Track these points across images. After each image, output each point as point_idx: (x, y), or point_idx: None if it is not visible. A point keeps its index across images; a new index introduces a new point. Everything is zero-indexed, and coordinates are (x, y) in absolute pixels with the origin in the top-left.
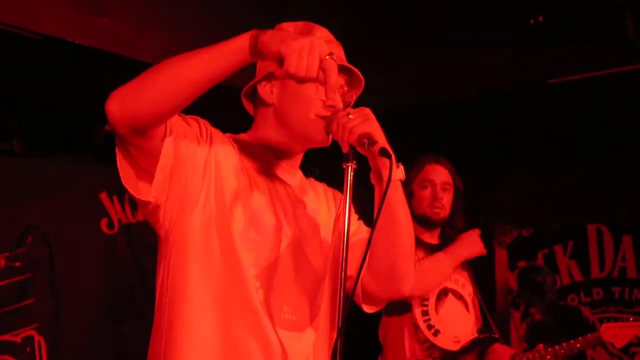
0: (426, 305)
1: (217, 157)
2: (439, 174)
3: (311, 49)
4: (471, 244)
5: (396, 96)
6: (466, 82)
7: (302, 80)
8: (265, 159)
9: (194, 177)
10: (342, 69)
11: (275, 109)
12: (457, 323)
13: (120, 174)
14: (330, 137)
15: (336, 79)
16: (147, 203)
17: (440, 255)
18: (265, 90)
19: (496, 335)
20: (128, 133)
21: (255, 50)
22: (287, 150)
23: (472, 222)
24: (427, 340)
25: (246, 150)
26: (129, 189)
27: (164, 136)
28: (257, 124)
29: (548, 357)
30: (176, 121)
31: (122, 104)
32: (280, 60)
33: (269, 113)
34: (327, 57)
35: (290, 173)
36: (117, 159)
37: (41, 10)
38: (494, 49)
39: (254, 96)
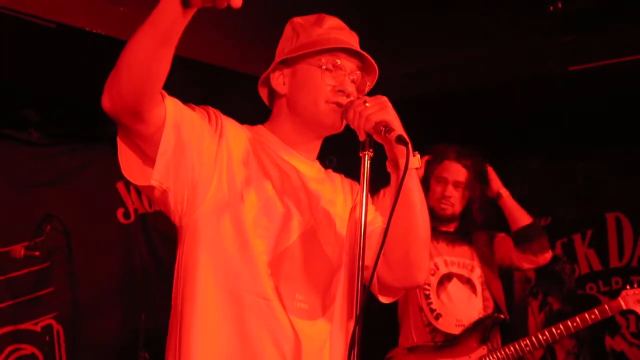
0: (427, 290)
1: (229, 145)
2: (454, 172)
3: None
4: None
5: (412, 84)
6: (483, 70)
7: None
8: (280, 149)
9: (201, 162)
10: (355, 55)
11: (287, 99)
12: (461, 307)
13: (121, 164)
14: (343, 122)
15: None
16: (152, 189)
17: None
18: (278, 82)
19: (501, 316)
20: (127, 122)
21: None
22: (302, 140)
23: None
24: (430, 323)
25: (261, 140)
26: (129, 179)
27: (164, 122)
28: (273, 115)
29: (558, 331)
30: (179, 108)
31: (109, 96)
32: None
33: (283, 104)
34: None
35: (307, 164)
36: (118, 147)
37: None
38: (512, 36)
39: (270, 87)
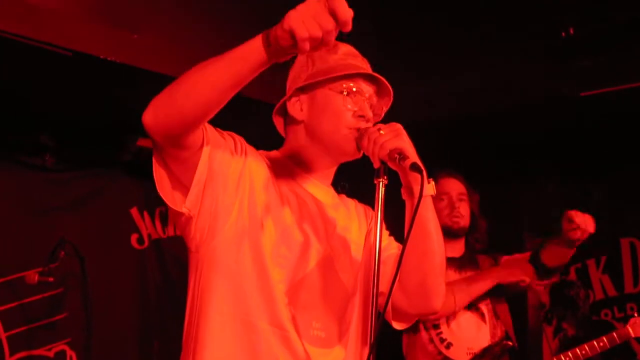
0: (437, 319)
1: (251, 173)
2: (454, 186)
3: (308, 7)
4: (513, 273)
5: (428, 109)
6: (498, 95)
7: (323, 42)
8: (297, 176)
9: (225, 191)
10: (371, 80)
11: (305, 125)
12: (471, 335)
13: (156, 183)
14: (361, 150)
15: (345, 7)
16: (181, 215)
17: (479, 283)
18: (295, 108)
19: (509, 343)
20: (164, 142)
21: (270, 48)
22: (319, 166)
23: (504, 235)
24: (440, 353)
25: (278, 167)
26: (164, 199)
27: (201, 147)
28: (288, 141)
29: (567, 359)
30: (212, 134)
31: (155, 114)
32: (294, 40)
33: (300, 130)
34: None
35: (322, 190)
36: (154, 168)
37: (72, 27)
38: (525, 61)
39: (285, 114)
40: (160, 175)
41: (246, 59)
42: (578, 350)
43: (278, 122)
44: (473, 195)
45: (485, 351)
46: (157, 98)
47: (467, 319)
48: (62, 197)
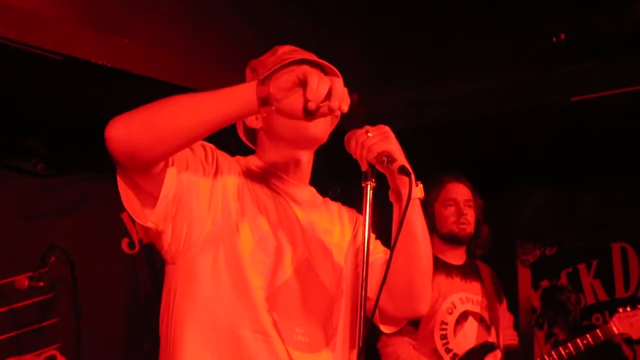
0: (445, 329)
1: (223, 182)
2: (461, 192)
3: (312, 70)
4: None
5: (415, 115)
6: (487, 100)
7: (319, 106)
8: (272, 179)
9: (199, 203)
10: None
11: (265, 130)
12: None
13: (122, 199)
14: (327, 131)
15: (346, 95)
16: (148, 229)
17: None
18: (251, 120)
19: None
20: (126, 163)
21: (267, 107)
22: (291, 163)
23: (496, 240)
24: None
25: (254, 172)
26: (130, 213)
27: (166, 165)
28: (258, 149)
29: (550, 359)
30: (180, 152)
31: (124, 135)
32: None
33: (262, 136)
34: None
35: (300, 189)
36: (118, 183)
37: (62, 31)
38: (515, 67)
39: (247, 129)
40: (125, 191)
41: (238, 107)
42: (562, 350)
43: (245, 137)
44: (478, 201)
45: (468, 354)
46: (129, 119)
47: (473, 329)
48: (52, 202)
